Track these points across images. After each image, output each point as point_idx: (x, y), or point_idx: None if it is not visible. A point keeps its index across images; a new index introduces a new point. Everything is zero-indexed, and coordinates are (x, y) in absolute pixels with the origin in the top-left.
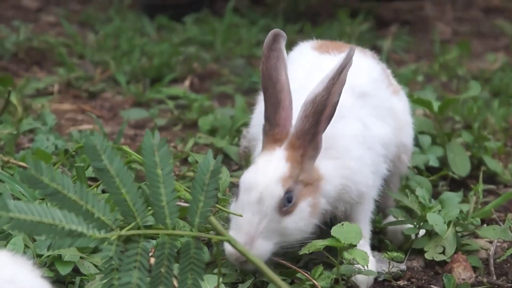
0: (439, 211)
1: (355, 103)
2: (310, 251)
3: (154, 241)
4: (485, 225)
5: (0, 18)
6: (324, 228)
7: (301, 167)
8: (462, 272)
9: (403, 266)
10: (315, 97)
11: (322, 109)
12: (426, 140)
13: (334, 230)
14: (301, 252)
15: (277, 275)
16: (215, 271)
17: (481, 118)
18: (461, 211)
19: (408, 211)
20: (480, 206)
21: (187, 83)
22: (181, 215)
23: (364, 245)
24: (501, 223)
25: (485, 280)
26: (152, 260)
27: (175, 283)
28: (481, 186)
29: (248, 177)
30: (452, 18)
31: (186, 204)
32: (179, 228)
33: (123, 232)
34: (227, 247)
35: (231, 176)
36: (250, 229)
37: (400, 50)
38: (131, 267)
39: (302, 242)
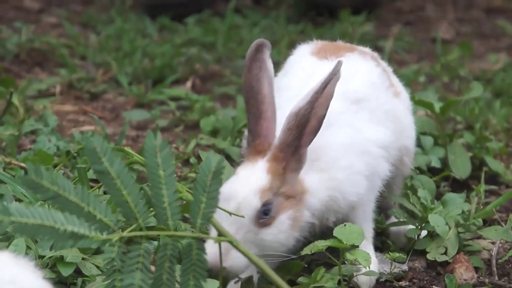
0: (441, 212)
1: (347, 109)
2: (312, 252)
3: (156, 243)
4: (487, 225)
5: (1, 19)
6: (312, 240)
7: (283, 180)
8: (464, 272)
9: (405, 267)
10: (299, 110)
11: (305, 122)
12: (428, 141)
13: (336, 231)
14: (303, 253)
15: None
16: None
17: (482, 119)
18: (463, 212)
19: (411, 212)
20: (482, 207)
21: (189, 84)
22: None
23: (367, 246)
24: (503, 224)
25: (487, 280)
26: (153, 268)
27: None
28: (483, 187)
29: (227, 187)
30: (454, 19)
31: None
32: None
33: (125, 233)
34: (208, 255)
35: None
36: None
37: (401, 50)
38: (133, 269)
39: (285, 255)
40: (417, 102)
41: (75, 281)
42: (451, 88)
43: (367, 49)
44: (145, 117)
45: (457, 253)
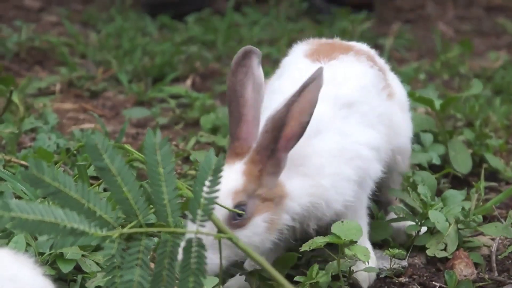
0: (441, 208)
1: (336, 114)
2: (311, 248)
3: (155, 239)
4: (487, 222)
5: (2, 18)
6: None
7: (259, 182)
8: (463, 268)
9: (404, 263)
10: (275, 114)
11: (280, 125)
12: (428, 138)
13: (335, 227)
14: (302, 249)
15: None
16: None
17: (482, 116)
18: (463, 208)
19: (411, 207)
20: (481, 204)
21: (189, 82)
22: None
23: (364, 242)
24: (503, 220)
25: (486, 276)
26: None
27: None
28: (482, 184)
29: None
30: (454, 17)
31: None
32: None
33: (125, 230)
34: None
35: None
36: None
37: (402, 48)
38: (133, 265)
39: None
40: (417, 99)
41: (75, 277)
42: (451, 85)
43: (364, 47)
44: (145, 115)
45: (457, 249)
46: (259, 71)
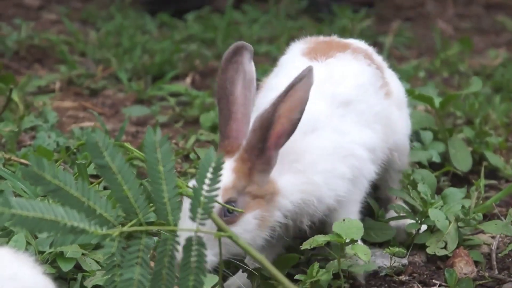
0: (441, 206)
1: (333, 113)
2: (312, 247)
3: (155, 238)
4: (487, 220)
5: (1, 16)
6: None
7: (249, 180)
8: (464, 266)
9: (404, 261)
10: (263, 113)
11: (268, 124)
12: (427, 136)
13: (336, 226)
14: (302, 247)
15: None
16: None
17: (482, 114)
18: (463, 207)
19: (411, 206)
20: (481, 201)
21: (188, 80)
22: None
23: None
24: (503, 218)
25: (487, 274)
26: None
27: None
28: (482, 181)
29: (191, 185)
30: (453, 14)
31: None
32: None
33: (125, 228)
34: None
35: None
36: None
37: (401, 46)
38: (133, 264)
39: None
40: (417, 97)
41: (75, 276)
42: (451, 83)
43: (362, 45)
44: (144, 113)
45: (457, 247)
46: (250, 67)
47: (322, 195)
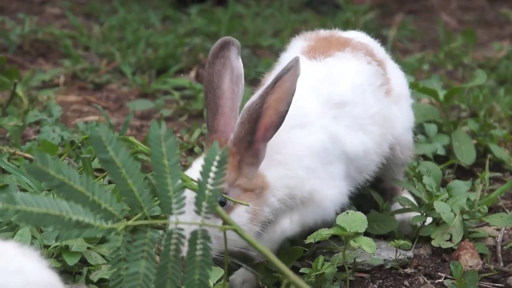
0: (447, 199)
1: (325, 113)
2: (316, 240)
3: (161, 231)
4: (492, 212)
5: (5, 11)
6: None
7: (238, 173)
8: (469, 259)
9: (410, 254)
10: (251, 105)
11: (256, 117)
12: (432, 128)
13: (339, 219)
14: (307, 241)
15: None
16: None
17: (486, 106)
18: (468, 199)
19: (416, 198)
20: (486, 194)
21: (192, 73)
22: None
23: None
24: (507, 211)
25: (492, 267)
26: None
27: None
28: (487, 174)
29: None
30: (457, 7)
31: None
32: None
33: (130, 222)
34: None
35: None
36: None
37: (405, 39)
38: (138, 257)
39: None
40: (421, 90)
41: (80, 270)
42: (455, 76)
43: (364, 39)
44: (149, 107)
45: (462, 240)
46: (238, 62)
47: (303, 189)
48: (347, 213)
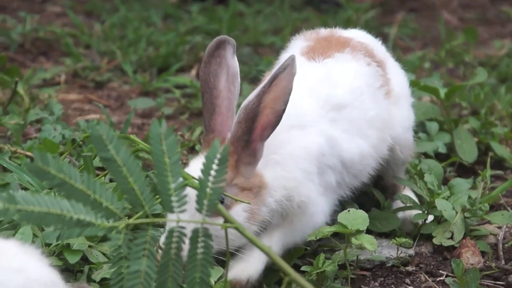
0: (448, 197)
1: (324, 115)
2: (318, 238)
3: (162, 230)
4: (493, 210)
5: (6, 9)
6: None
7: (236, 172)
8: (470, 257)
9: (411, 252)
10: (247, 104)
11: (253, 116)
12: (433, 126)
13: (341, 217)
14: (308, 239)
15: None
16: None
17: (488, 104)
18: (469, 197)
19: (418, 196)
20: (488, 192)
21: (193, 72)
22: None
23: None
24: (509, 208)
25: (493, 265)
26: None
27: None
28: (488, 172)
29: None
30: (458, 5)
31: None
32: None
33: (132, 220)
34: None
35: None
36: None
37: (406, 37)
38: (139, 256)
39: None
40: (422, 88)
41: (82, 268)
42: (456, 74)
43: (364, 39)
44: (150, 105)
45: (464, 237)
46: (233, 61)
47: (300, 193)
48: (349, 211)
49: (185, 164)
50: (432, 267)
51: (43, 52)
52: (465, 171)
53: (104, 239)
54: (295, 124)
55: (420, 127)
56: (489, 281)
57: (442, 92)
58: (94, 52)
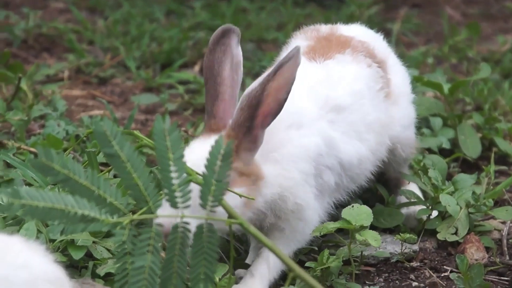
0: (452, 192)
1: (323, 116)
2: (322, 234)
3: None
4: (497, 206)
5: (9, 5)
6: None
7: (235, 156)
8: (475, 252)
9: (415, 247)
10: (251, 92)
11: (256, 103)
12: (437, 122)
13: (345, 212)
14: (312, 234)
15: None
16: None
17: (491, 100)
18: (473, 193)
19: (422, 191)
20: (492, 187)
21: (197, 67)
22: None
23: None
24: None
25: (497, 260)
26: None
27: None
28: (492, 167)
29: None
30: (461, 0)
31: None
32: None
33: (136, 216)
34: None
35: None
36: None
37: (409, 32)
38: (144, 251)
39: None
40: (425, 84)
41: (86, 264)
42: (460, 69)
43: (365, 37)
44: (153, 101)
45: (468, 233)
46: (238, 50)
47: (296, 194)
48: (353, 206)
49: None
50: (436, 262)
51: (46, 48)
52: (469, 166)
53: (108, 235)
54: (293, 123)
55: (424, 123)
56: (494, 276)
57: (446, 87)
58: (97, 48)
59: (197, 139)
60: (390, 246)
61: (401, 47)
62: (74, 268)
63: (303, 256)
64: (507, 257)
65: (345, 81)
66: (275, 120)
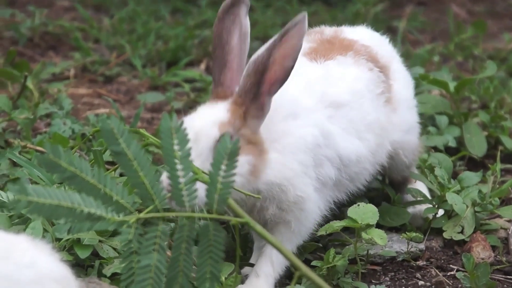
0: (458, 191)
1: (318, 109)
2: (328, 233)
3: (172, 224)
4: (504, 204)
5: (15, 4)
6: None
7: (243, 122)
8: (481, 251)
9: (421, 246)
10: (257, 58)
11: (262, 69)
12: (443, 120)
13: (351, 211)
14: (318, 233)
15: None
16: None
17: (497, 98)
18: (480, 191)
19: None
20: (498, 186)
21: (203, 66)
22: None
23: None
24: None
25: (504, 259)
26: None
27: None
28: (498, 166)
29: (187, 120)
30: None
31: None
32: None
33: (142, 215)
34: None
35: None
36: None
37: (415, 30)
38: (150, 250)
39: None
40: (431, 82)
41: (92, 263)
42: (465, 67)
43: (369, 41)
44: (159, 99)
45: (474, 232)
46: (246, 20)
47: (297, 185)
48: (359, 205)
49: None
50: (442, 261)
51: (52, 47)
52: (474, 165)
53: (114, 233)
54: (289, 114)
55: (429, 121)
56: (500, 275)
57: (452, 85)
58: (103, 46)
59: (203, 105)
60: (396, 245)
61: (407, 45)
62: (80, 267)
63: (309, 255)
64: None
65: (344, 80)
66: (271, 111)
